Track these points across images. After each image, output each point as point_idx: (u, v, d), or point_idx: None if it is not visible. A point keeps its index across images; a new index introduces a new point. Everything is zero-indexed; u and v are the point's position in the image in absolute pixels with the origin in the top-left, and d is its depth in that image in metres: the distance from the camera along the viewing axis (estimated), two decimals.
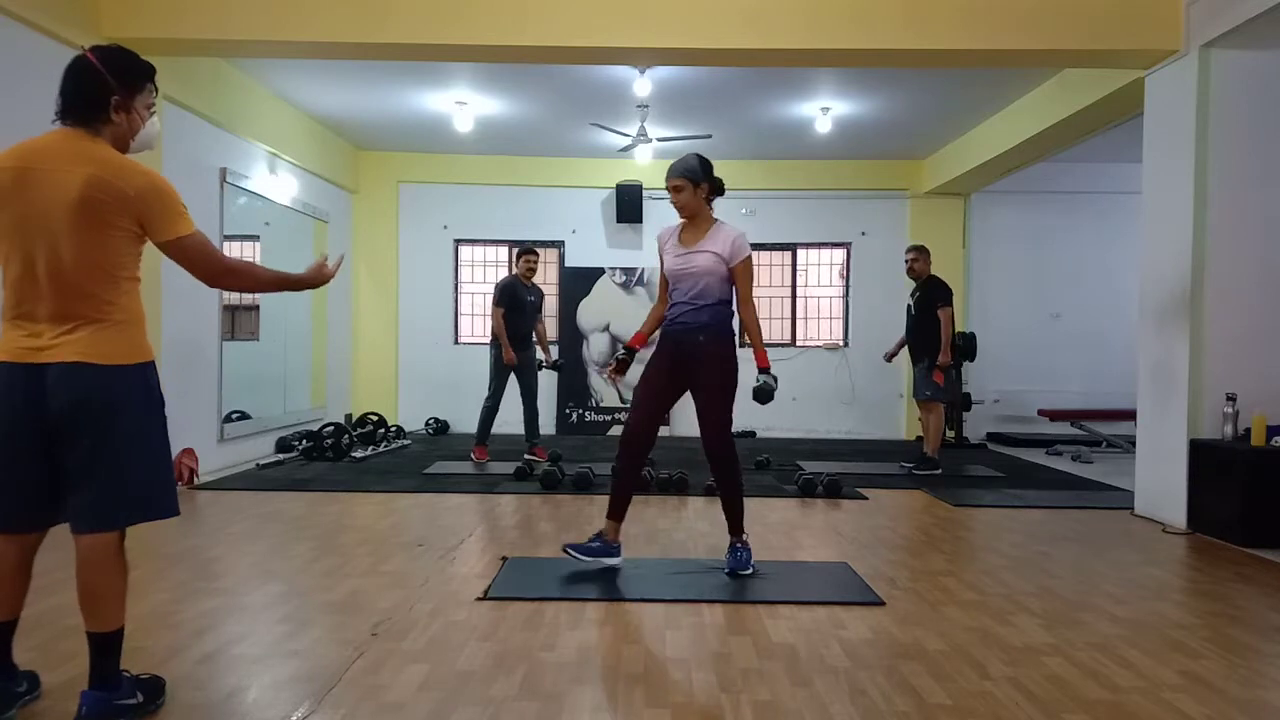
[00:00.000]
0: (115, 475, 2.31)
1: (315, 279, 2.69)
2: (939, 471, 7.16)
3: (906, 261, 7.41)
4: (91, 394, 2.28)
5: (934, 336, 7.09)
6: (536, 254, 7.63)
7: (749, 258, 3.96)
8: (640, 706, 2.56)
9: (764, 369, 3.97)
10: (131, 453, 2.33)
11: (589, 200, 10.19)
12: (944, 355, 7.06)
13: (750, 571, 3.97)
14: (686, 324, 3.98)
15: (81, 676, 2.42)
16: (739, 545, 4.02)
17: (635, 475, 4.16)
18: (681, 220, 4.11)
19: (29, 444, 2.30)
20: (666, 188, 4.05)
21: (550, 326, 10.37)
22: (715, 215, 4.08)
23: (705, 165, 4.01)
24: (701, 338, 3.96)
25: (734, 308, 4.01)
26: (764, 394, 3.93)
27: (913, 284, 7.45)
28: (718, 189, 4.04)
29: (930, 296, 7.19)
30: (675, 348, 4.02)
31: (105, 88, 2.33)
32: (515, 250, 7.77)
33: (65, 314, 2.28)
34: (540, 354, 7.70)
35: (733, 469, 4.02)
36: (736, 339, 4.09)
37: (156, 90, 2.50)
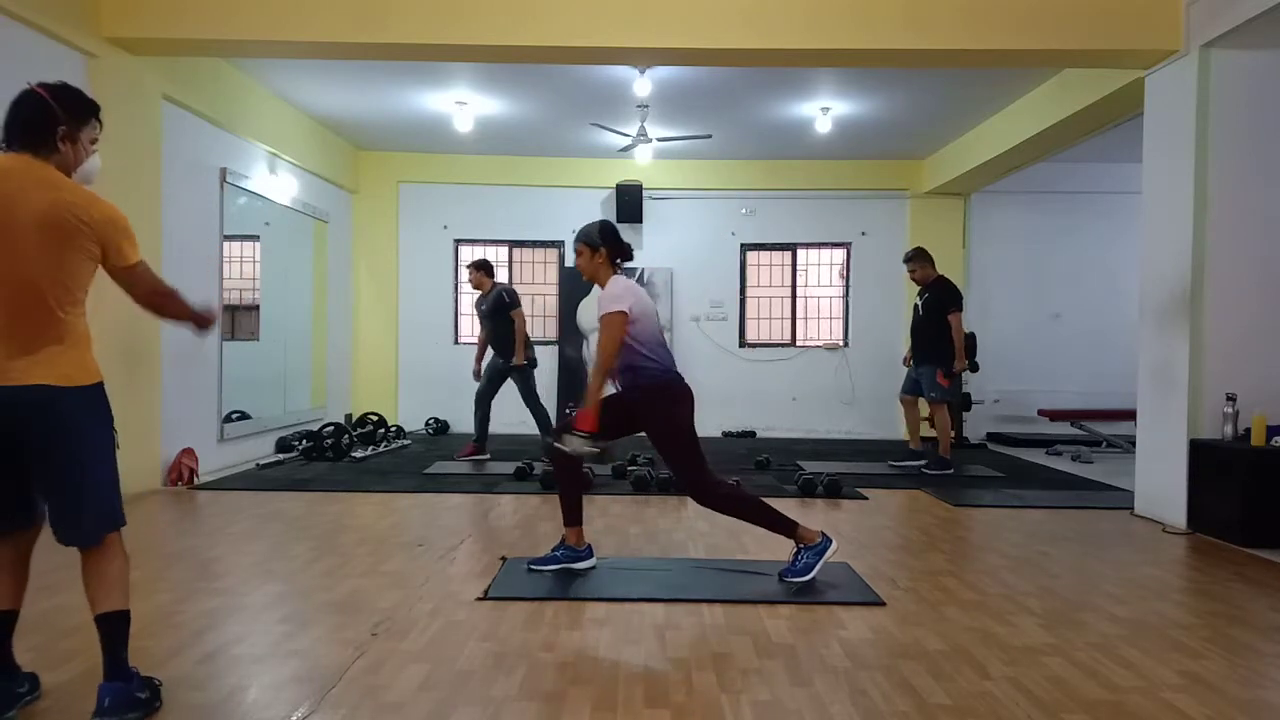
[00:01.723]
0: (94, 492, 2.40)
1: (204, 319, 2.68)
2: (951, 471, 7.17)
3: (909, 270, 7.41)
4: (57, 415, 2.33)
5: (942, 340, 7.08)
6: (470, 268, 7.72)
7: (605, 315, 3.80)
8: (640, 706, 2.56)
9: (577, 429, 3.73)
10: (100, 469, 2.41)
11: (589, 200, 10.19)
12: (959, 361, 7.08)
13: (810, 578, 3.79)
14: (623, 385, 3.93)
15: (81, 677, 2.42)
16: (800, 548, 3.86)
17: (572, 477, 4.03)
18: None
19: None
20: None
21: (550, 326, 10.42)
22: (614, 275, 3.99)
23: (605, 231, 3.99)
24: (636, 394, 3.88)
25: (646, 350, 3.84)
26: (550, 450, 3.83)
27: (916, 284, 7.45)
28: (623, 253, 4.00)
29: (941, 300, 7.17)
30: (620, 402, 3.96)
31: (53, 118, 2.39)
32: (477, 263, 7.76)
33: (23, 334, 2.31)
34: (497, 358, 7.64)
35: (729, 503, 3.93)
36: (672, 376, 3.90)
37: (100, 126, 2.54)
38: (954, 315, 7.08)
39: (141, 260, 2.47)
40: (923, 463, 7.25)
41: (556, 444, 3.75)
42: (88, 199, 2.37)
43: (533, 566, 4.00)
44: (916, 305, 7.42)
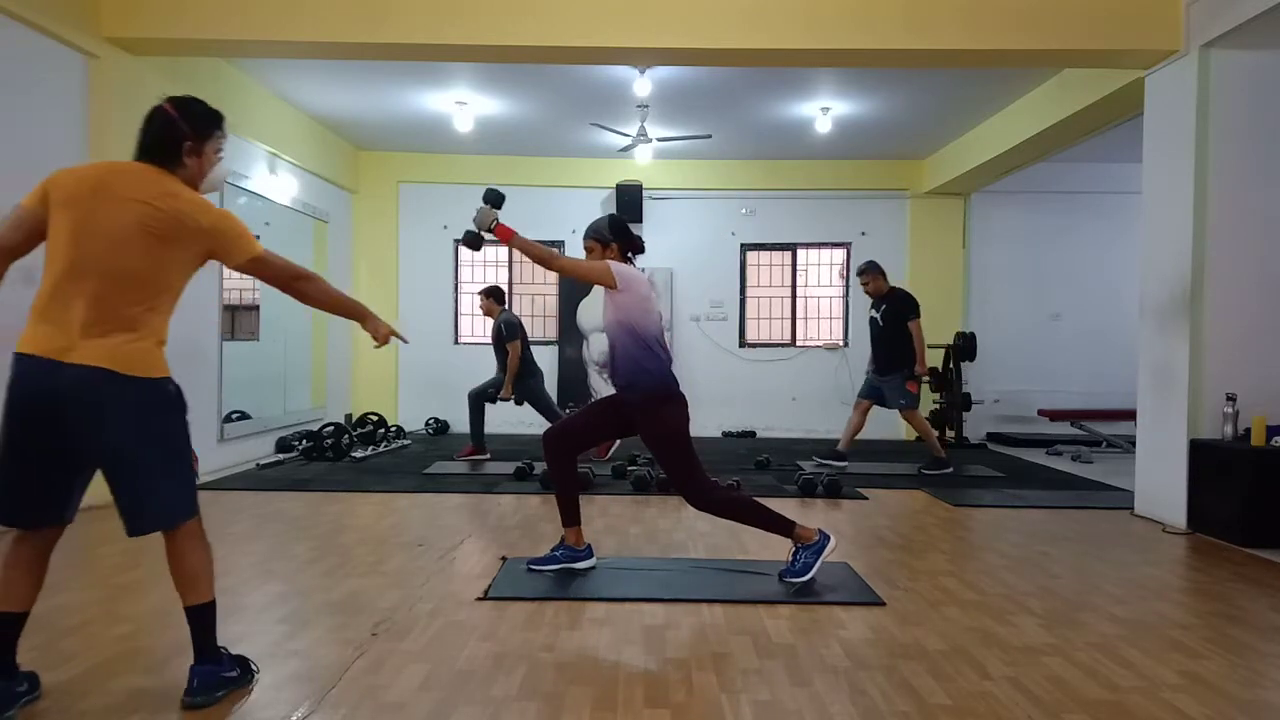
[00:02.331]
0: (146, 484, 2.46)
1: (376, 325, 2.84)
2: (950, 470, 7.21)
3: (861, 284, 7.47)
4: (108, 401, 2.37)
5: (904, 349, 7.19)
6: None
7: (595, 263, 3.82)
8: (640, 706, 2.56)
9: (486, 226, 3.70)
10: (149, 463, 2.46)
11: (589, 200, 10.19)
12: (920, 365, 7.18)
13: (808, 578, 3.78)
14: (619, 385, 3.92)
15: (81, 676, 2.43)
16: (798, 548, 3.86)
17: (568, 473, 4.01)
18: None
19: (45, 442, 2.38)
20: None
21: (550, 326, 10.42)
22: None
23: (615, 225, 3.98)
24: (634, 395, 3.85)
25: (651, 347, 3.81)
26: (469, 236, 3.73)
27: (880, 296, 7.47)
28: (634, 247, 4.00)
29: (899, 310, 7.26)
30: (619, 404, 3.95)
31: (179, 135, 2.55)
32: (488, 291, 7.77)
33: (100, 319, 2.38)
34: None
35: (726, 507, 3.92)
36: (671, 381, 3.87)
37: (225, 135, 2.69)
38: (914, 323, 7.19)
39: (265, 252, 2.59)
40: (844, 464, 7.29)
41: (474, 219, 3.68)
42: (199, 205, 2.51)
43: (533, 566, 4.00)
44: (874, 318, 7.46)
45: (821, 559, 3.84)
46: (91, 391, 2.35)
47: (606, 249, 3.93)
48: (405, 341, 3.06)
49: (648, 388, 3.81)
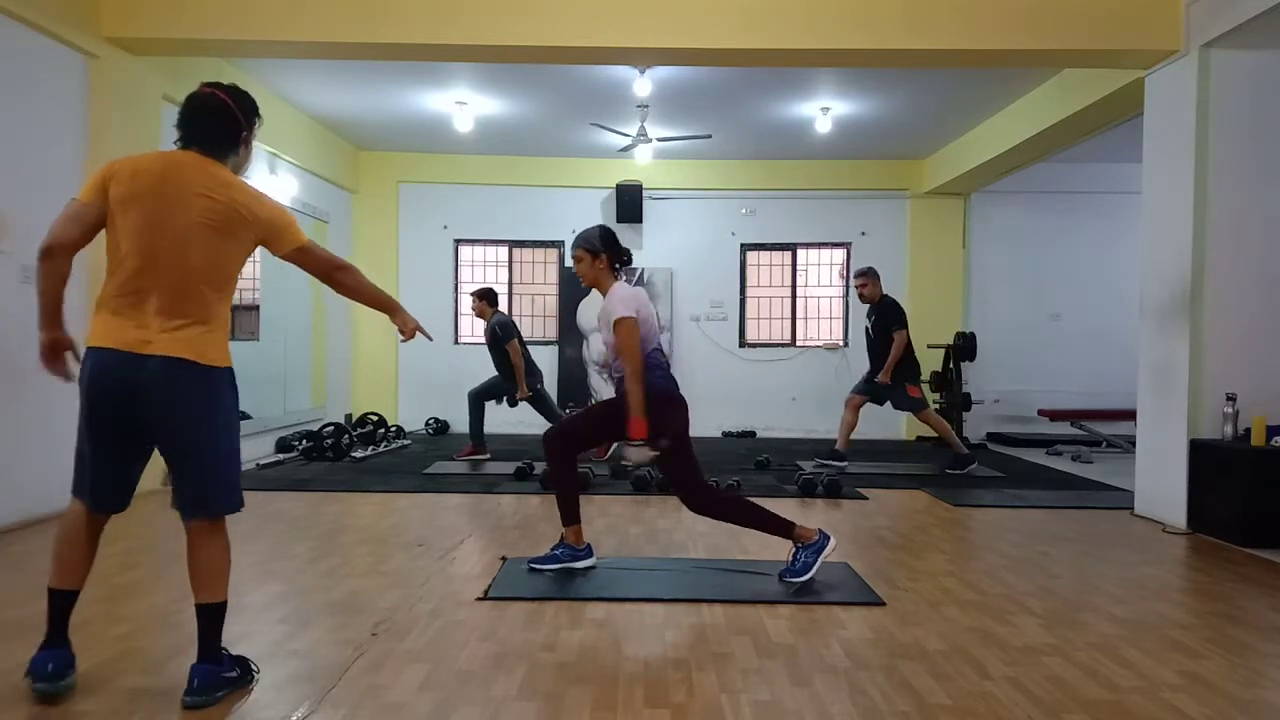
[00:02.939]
0: (212, 467, 2.55)
1: (404, 319, 2.95)
2: (975, 464, 7.27)
3: (856, 287, 7.46)
4: (191, 389, 2.49)
5: (898, 358, 7.20)
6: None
7: (618, 320, 3.77)
8: (640, 706, 2.56)
9: (633, 440, 3.71)
10: (222, 447, 2.58)
11: (589, 200, 10.19)
12: (884, 374, 7.20)
13: (809, 577, 3.78)
14: (617, 389, 3.91)
15: (81, 676, 2.43)
16: (798, 547, 3.84)
17: (567, 473, 4.02)
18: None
19: (126, 430, 2.52)
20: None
21: (550, 327, 10.42)
22: (615, 281, 3.99)
23: (605, 236, 3.99)
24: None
25: (651, 355, 3.83)
26: (615, 463, 3.81)
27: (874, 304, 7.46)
28: (621, 258, 4.01)
29: (885, 320, 7.26)
30: (619, 405, 3.92)
31: (238, 125, 2.65)
32: (482, 292, 7.75)
33: (176, 311, 2.48)
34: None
35: (725, 509, 3.94)
36: (671, 384, 3.90)
37: (261, 122, 2.78)
38: (899, 333, 7.18)
39: (309, 242, 2.71)
40: (844, 464, 7.28)
41: (622, 460, 3.74)
42: (256, 196, 2.62)
43: (534, 566, 4.00)
44: (867, 328, 7.47)
45: (822, 558, 3.84)
46: (176, 382, 2.46)
47: (596, 259, 3.95)
48: (430, 339, 3.13)
49: (648, 392, 3.80)
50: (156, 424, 2.49)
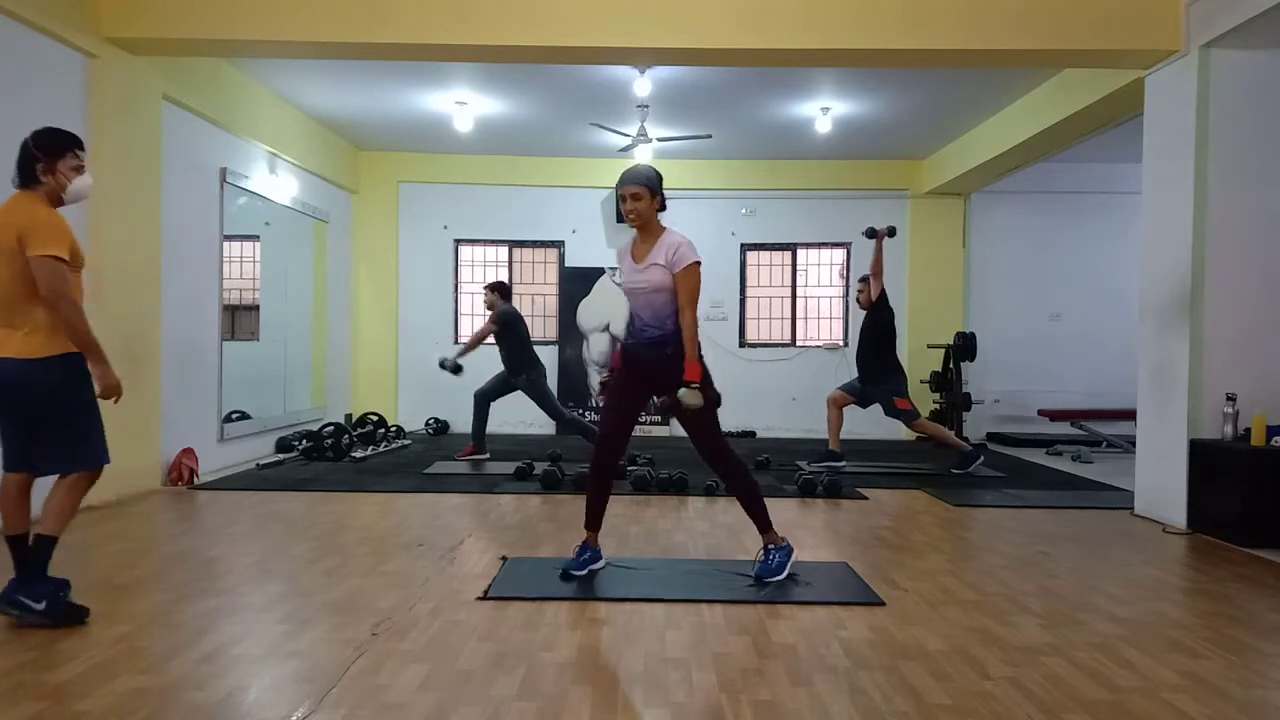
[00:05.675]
0: (59, 437, 3.16)
1: (103, 372, 3.24)
2: (982, 459, 7.26)
3: (857, 289, 7.49)
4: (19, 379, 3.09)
5: (883, 364, 7.24)
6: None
7: (690, 265, 3.75)
8: (640, 706, 2.56)
9: (690, 382, 3.70)
10: (65, 419, 3.15)
11: (589, 200, 10.19)
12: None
13: (784, 576, 3.85)
14: (650, 339, 3.85)
15: (81, 676, 2.43)
16: (769, 547, 3.93)
17: (609, 480, 4.06)
18: (635, 235, 3.99)
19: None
20: (619, 195, 3.97)
21: (550, 326, 10.42)
22: (664, 225, 3.99)
23: (658, 176, 3.98)
24: (670, 350, 3.79)
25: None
26: (677, 408, 3.75)
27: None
28: (663, 203, 4.02)
29: (877, 316, 7.31)
30: (640, 364, 3.89)
31: (32, 159, 3.15)
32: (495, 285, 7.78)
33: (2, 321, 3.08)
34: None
35: (736, 472, 4.00)
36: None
37: (83, 152, 3.24)
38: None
39: (49, 255, 3.05)
40: (842, 463, 7.28)
41: (684, 401, 3.69)
42: (15, 212, 3.11)
43: (572, 571, 3.93)
44: (862, 332, 7.48)
45: (790, 562, 3.94)
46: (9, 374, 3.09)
47: (655, 198, 3.91)
48: (116, 402, 3.32)
49: (678, 349, 3.76)
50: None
